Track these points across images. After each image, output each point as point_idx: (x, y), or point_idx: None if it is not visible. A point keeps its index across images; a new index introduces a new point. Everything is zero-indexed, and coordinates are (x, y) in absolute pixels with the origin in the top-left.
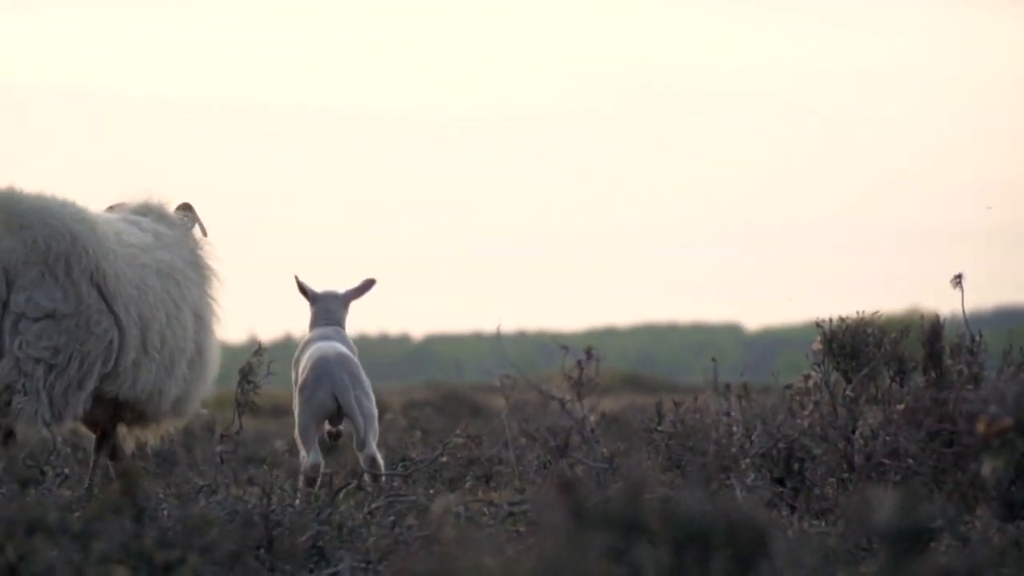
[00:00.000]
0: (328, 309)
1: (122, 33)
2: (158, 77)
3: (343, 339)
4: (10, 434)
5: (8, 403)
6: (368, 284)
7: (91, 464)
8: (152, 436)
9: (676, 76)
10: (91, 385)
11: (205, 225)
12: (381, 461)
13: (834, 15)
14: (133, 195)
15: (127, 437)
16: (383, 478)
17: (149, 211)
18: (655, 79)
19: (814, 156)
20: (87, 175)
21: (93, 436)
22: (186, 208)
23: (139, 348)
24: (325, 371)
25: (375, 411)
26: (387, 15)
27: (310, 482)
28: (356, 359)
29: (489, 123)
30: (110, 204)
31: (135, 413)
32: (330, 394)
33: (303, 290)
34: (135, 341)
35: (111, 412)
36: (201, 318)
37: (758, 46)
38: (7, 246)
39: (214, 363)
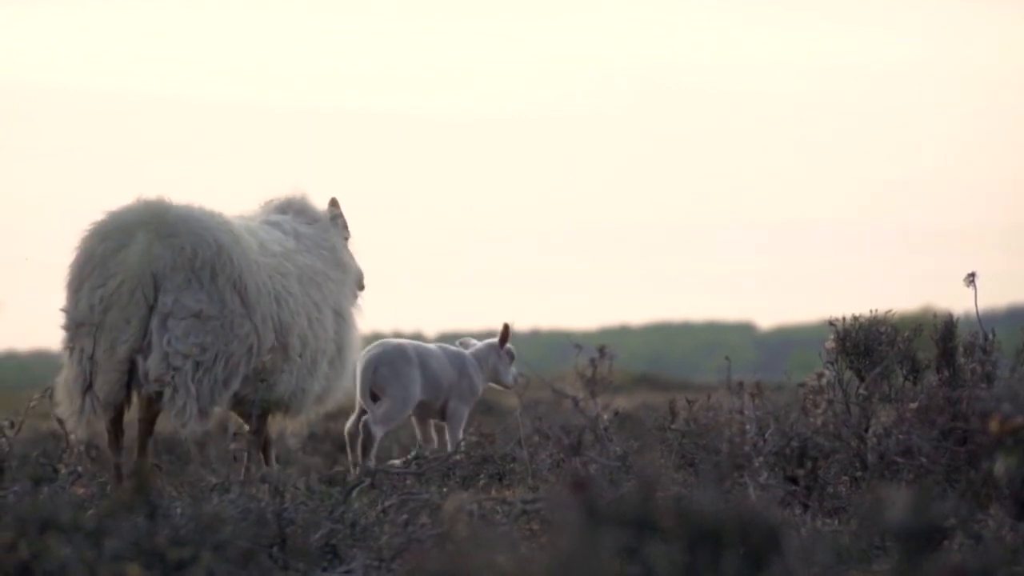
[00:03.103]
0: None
1: (122, 32)
2: (161, 76)
3: (445, 353)
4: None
5: (159, 397)
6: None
7: (246, 456)
8: (297, 425)
9: (688, 75)
10: (236, 385)
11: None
12: (376, 436)
13: (846, 13)
14: (279, 192)
15: (272, 424)
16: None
17: (290, 207)
18: (667, 78)
19: (827, 155)
20: (93, 175)
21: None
22: (334, 204)
23: (277, 355)
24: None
25: (400, 399)
26: (398, 15)
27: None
28: (417, 360)
29: (503, 123)
30: (263, 202)
31: (280, 408)
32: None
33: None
34: (269, 348)
35: (259, 409)
36: (341, 315)
37: (769, 45)
38: (157, 253)
39: (355, 356)
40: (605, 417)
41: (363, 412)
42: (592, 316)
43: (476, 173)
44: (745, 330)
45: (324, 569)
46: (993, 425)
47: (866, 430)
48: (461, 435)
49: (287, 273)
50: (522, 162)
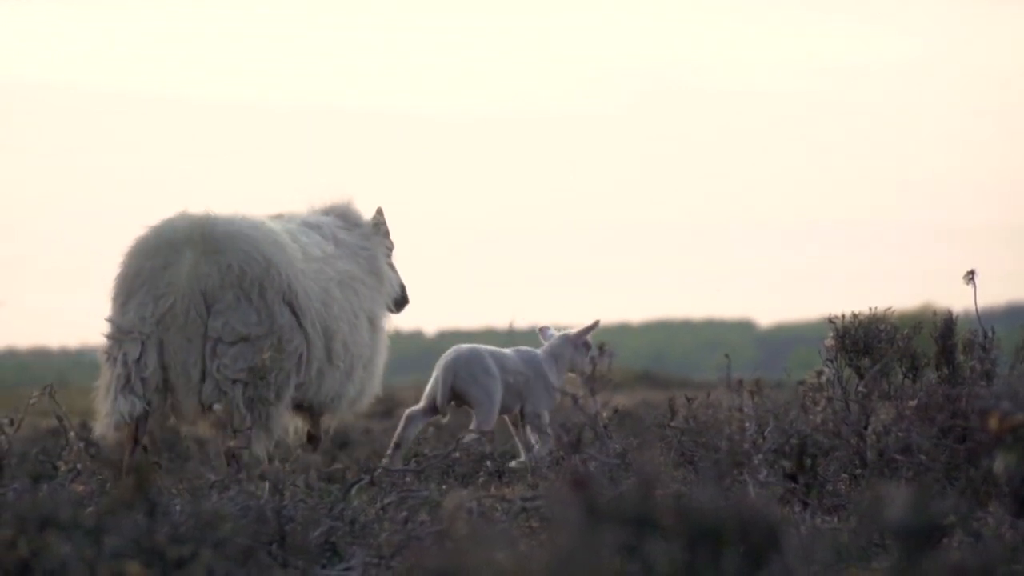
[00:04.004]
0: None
1: (122, 32)
2: (161, 76)
3: (519, 354)
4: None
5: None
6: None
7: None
8: (325, 425)
9: (689, 75)
10: (287, 398)
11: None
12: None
13: (846, 13)
14: (323, 197)
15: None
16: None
17: (333, 210)
18: (668, 78)
19: (827, 154)
20: (93, 175)
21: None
22: (379, 213)
23: (323, 358)
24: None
25: (487, 404)
26: (398, 15)
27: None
28: (501, 365)
29: (503, 122)
30: (309, 206)
31: (314, 412)
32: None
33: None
34: (319, 352)
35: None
36: (374, 323)
37: (770, 45)
38: (204, 271)
39: (383, 361)
40: (605, 415)
41: (430, 406)
42: (592, 313)
43: (476, 173)
44: (745, 328)
45: (323, 566)
46: (992, 423)
47: (865, 428)
48: (550, 432)
49: (328, 278)
50: (522, 162)
